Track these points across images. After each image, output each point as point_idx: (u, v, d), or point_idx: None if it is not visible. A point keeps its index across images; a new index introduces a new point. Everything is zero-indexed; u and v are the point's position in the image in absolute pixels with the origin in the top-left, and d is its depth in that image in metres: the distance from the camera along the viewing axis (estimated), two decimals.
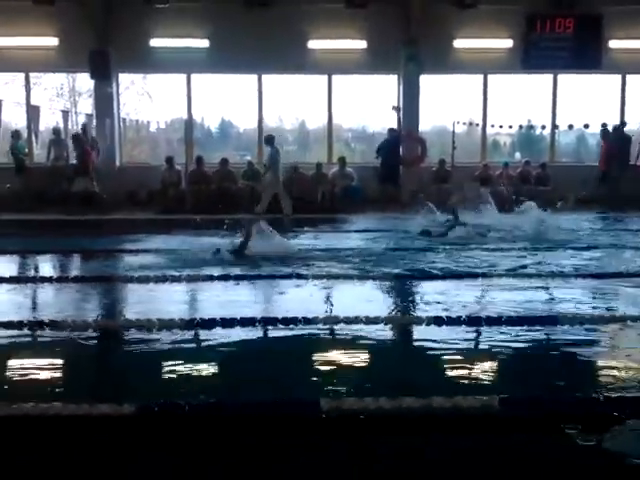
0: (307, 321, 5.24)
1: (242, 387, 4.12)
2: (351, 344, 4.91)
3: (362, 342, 4.95)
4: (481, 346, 4.99)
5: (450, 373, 4.40)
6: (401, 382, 4.12)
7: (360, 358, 4.76)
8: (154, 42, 14.25)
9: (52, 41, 14.09)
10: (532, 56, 14.63)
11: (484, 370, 4.48)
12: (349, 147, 17.09)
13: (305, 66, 14.57)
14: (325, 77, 14.94)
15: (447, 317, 5.33)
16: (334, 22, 14.25)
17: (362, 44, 14.53)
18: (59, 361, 4.74)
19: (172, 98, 15.22)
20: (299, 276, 7.09)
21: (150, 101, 15.71)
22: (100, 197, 13.44)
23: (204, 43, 14.36)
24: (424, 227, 10.07)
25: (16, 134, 13.94)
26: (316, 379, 4.30)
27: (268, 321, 5.32)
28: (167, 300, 6.47)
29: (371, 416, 3.48)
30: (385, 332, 5.23)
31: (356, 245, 9.35)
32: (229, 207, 12.43)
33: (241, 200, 13.19)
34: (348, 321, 5.24)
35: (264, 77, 14.89)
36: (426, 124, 15.45)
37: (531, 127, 15.36)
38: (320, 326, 5.22)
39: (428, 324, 5.28)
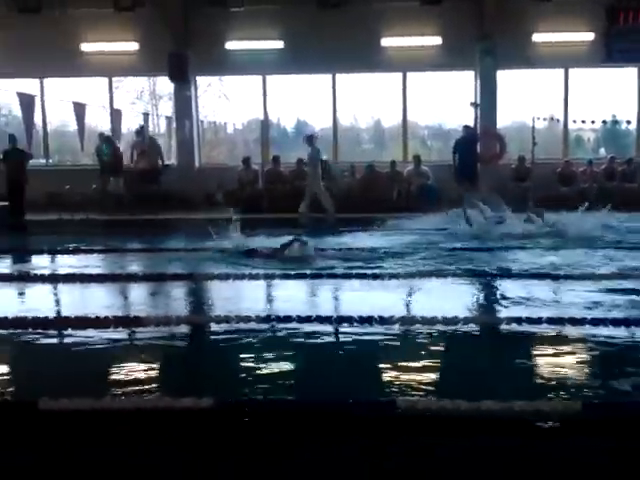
0: (383, 320, 5.21)
1: (317, 385, 4.14)
2: (427, 344, 4.85)
3: (439, 342, 4.89)
4: (563, 348, 4.82)
5: (531, 375, 4.28)
6: (480, 384, 4.04)
7: (437, 359, 4.70)
8: (230, 45, 14.52)
9: (133, 46, 14.60)
10: (614, 49, 14.08)
11: (567, 374, 4.33)
12: (425, 145, 16.91)
13: (379, 64, 14.51)
14: (399, 75, 14.84)
15: (527, 317, 5.19)
16: (408, 19, 14.14)
17: (437, 40, 14.35)
18: (144, 356, 4.88)
19: (248, 99, 15.47)
20: (374, 276, 7.06)
21: (227, 103, 16.03)
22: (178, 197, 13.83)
23: (279, 44, 14.53)
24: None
25: (102, 137, 14.48)
26: (391, 379, 4.26)
27: (343, 319, 5.33)
28: (244, 296, 6.60)
29: (449, 418, 3.43)
30: (463, 333, 5.13)
31: (425, 242, 9.25)
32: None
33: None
34: (424, 321, 5.18)
35: (338, 76, 14.93)
36: (504, 120, 15.12)
37: (616, 122, 14.78)
38: (396, 326, 5.18)
39: (508, 324, 5.16)
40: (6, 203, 12.56)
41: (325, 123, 15.85)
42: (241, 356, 4.75)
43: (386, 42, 14.40)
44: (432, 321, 5.15)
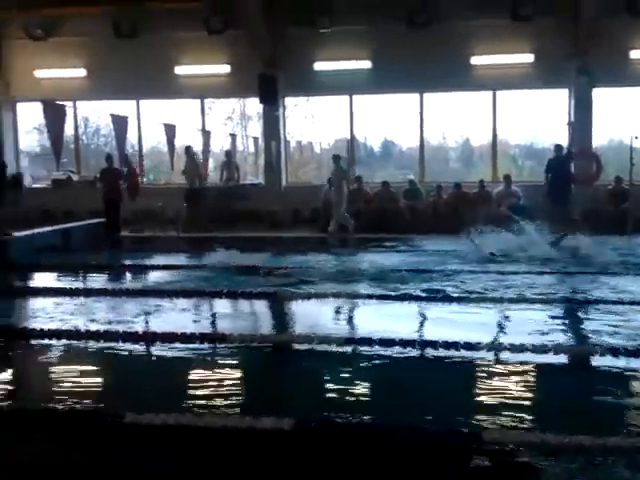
0: (469, 346, 5.04)
1: (396, 410, 4.03)
2: (515, 373, 4.65)
3: (528, 372, 4.68)
4: None
5: (626, 410, 4.00)
6: (571, 417, 3.82)
7: (526, 389, 4.49)
8: (318, 65, 14.69)
9: (224, 68, 15.00)
10: None
11: None
12: (516, 164, 16.47)
13: (468, 83, 14.28)
14: (489, 93, 14.55)
15: (624, 348, 4.89)
16: (498, 37, 13.86)
17: (529, 58, 13.98)
18: (227, 373, 4.92)
19: (335, 119, 15.57)
20: (459, 299, 6.88)
21: (314, 122, 16.19)
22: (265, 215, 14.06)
23: (366, 64, 14.57)
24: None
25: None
26: (477, 408, 4.10)
27: (427, 344, 5.19)
28: (328, 316, 6.58)
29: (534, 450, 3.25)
30: (554, 362, 4.88)
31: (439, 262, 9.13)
32: (390, 226, 12.47)
33: (402, 219, 13.12)
34: (513, 349, 4.97)
35: (426, 95, 14.81)
36: (600, 139, 14.52)
37: None
38: (483, 353, 4.99)
39: (602, 355, 4.87)
40: (103, 219, 13.12)
41: (412, 142, 15.74)
42: (322, 377, 4.71)
43: (476, 60, 14.16)
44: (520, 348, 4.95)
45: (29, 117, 16.04)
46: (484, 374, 4.71)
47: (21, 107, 15.92)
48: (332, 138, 16.74)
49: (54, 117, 11.46)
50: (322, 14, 13.97)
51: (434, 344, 5.11)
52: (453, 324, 5.98)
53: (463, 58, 14.09)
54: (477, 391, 4.41)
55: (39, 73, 15.37)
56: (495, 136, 14.87)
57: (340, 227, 12.70)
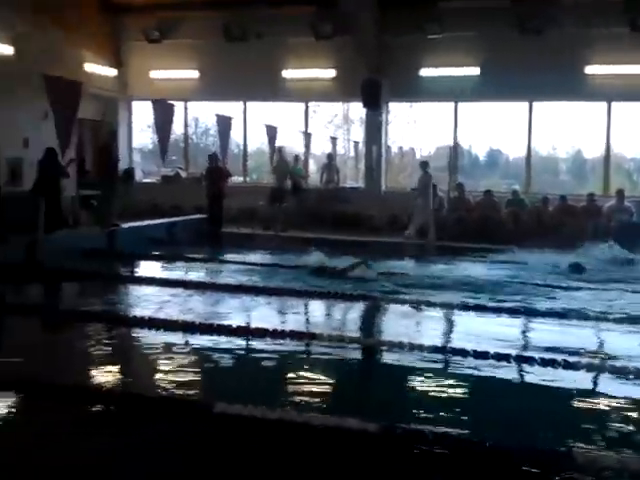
0: (568, 365, 4.80)
1: (484, 425, 3.91)
2: (611, 397, 4.39)
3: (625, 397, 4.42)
4: None
5: None
6: None
7: (619, 411, 4.23)
8: (424, 71, 14.52)
9: (330, 73, 15.12)
10: None
11: None
12: (630, 179, 15.63)
13: (582, 93, 13.68)
14: (604, 104, 13.89)
15: None
16: (616, 46, 13.17)
17: None
18: (314, 372, 4.93)
19: (439, 126, 15.34)
20: (559, 315, 6.60)
21: (416, 128, 16.04)
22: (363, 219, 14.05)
23: (474, 71, 14.27)
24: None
25: (296, 158, 15.16)
26: (567, 427, 3.90)
27: (524, 359, 5.00)
28: (419, 323, 6.49)
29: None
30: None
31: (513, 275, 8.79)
32: (491, 236, 12.14)
33: (504, 229, 12.75)
34: (614, 371, 4.71)
35: (535, 104, 14.34)
36: None
37: None
38: (582, 373, 4.76)
39: None
40: (206, 215, 13.56)
41: (519, 151, 15.25)
42: (409, 384, 4.64)
43: (591, 70, 13.55)
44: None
45: (143, 115, 16.80)
46: (581, 394, 4.48)
47: (136, 106, 16.69)
48: (434, 145, 16.53)
49: (163, 115, 11.96)
50: (432, 20, 13.83)
51: (531, 361, 4.92)
52: (552, 339, 5.74)
53: (577, 67, 13.51)
54: (571, 411, 4.20)
55: (154, 74, 16.08)
56: (609, 149, 14.17)
57: (420, 233, 12.61)
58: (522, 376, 4.84)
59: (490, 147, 16.79)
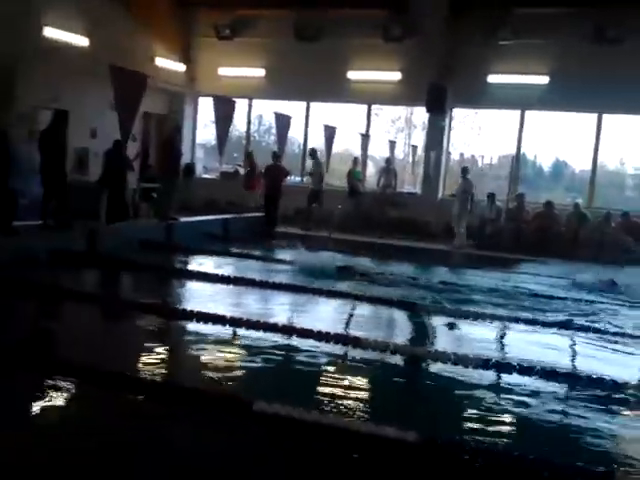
0: (616, 386, 4.66)
1: (526, 440, 3.83)
2: None
3: None
4: None
5: None
6: None
7: None
8: (492, 78, 14.29)
9: (396, 76, 15.03)
10: None
11: None
12: None
13: None
14: None
15: None
16: None
17: None
18: (356, 377, 4.91)
19: (503, 133, 15.07)
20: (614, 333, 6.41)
21: (480, 136, 15.79)
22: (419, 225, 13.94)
23: (544, 80, 13.96)
24: None
25: (354, 161, 15.13)
26: (613, 447, 3.79)
27: (570, 376, 4.88)
28: (466, 335, 6.39)
29: None
30: None
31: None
32: (549, 249, 11.89)
33: (562, 243, 12.44)
34: None
35: (605, 116, 13.92)
36: None
37: None
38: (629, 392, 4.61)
39: None
40: (262, 214, 13.68)
41: (586, 164, 14.83)
42: (450, 395, 4.58)
43: None
44: None
45: (208, 111, 17.10)
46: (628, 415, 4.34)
47: (202, 101, 16.99)
48: (498, 153, 16.24)
49: (223, 111, 12.14)
50: (505, 26, 13.59)
51: (577, 380, 4.80)
52: (601, 358, 5.58)
53: None
54: (617, 431, 4.07)
55: (222, 71, 16.34)
56: None
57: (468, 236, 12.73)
58: (568, 393, 4.71)
59: (556, 158, 16.38)
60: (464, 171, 13.21)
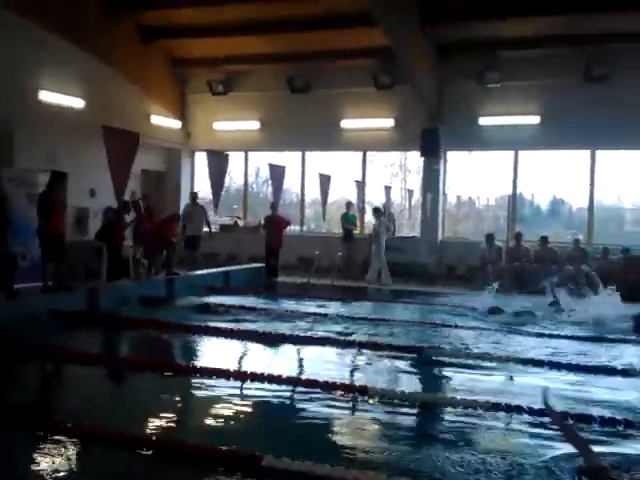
0: (630, 425, 4.57)
1: None
2: None
3: None
4: None
5: None
6: None
7: None
8: (482, 120, 14.48)
9: (389, 122, 15.24)
10: None
11: None
12: None
13: None
14: None
15: None
16: None
17: None
18: (364, 427, 4.84)
19: (498, 174, 15.17)
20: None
21: (475, 177, 15.88)
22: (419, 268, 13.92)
23: (535, 119, 14.14)
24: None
25: (348, 206, 15.15)
26: None
27: (583, 419, 4.78)
28: (473, 379, 6.30)
29: None
30: None
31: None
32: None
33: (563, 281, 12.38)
34: None
35: (598, 152, 14.06)
36: None
37: None
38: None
39: None
40: (263, 264, 13.65)
41: (583, 201, 14.87)
42: (462, 442, 4.47)
43: None
44: None
45: (205, 165, 17.26)
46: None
47: (198, 156, 17.16)
48: (496, 194, 16.32)
49: (217, 165, 12.27)
50: (490, 69, 13.87)
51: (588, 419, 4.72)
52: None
53: None
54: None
55: (217, 125, 16.58)
56: None
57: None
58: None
59: (553, 196, 16.45)
60: (376, 212, 13.99)
